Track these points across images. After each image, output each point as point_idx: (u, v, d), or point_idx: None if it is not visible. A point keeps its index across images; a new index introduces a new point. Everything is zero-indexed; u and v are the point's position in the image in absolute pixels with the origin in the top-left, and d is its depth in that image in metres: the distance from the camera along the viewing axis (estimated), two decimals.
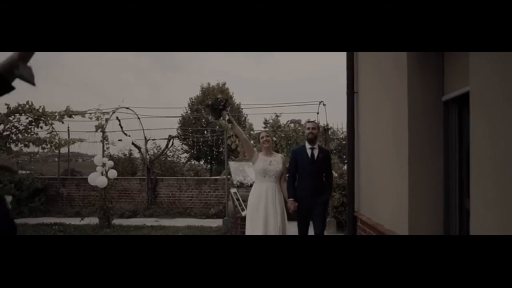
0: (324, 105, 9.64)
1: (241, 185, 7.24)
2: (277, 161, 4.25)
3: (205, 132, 18.41)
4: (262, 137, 4.35)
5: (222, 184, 10.63)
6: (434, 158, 3.01)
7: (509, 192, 1.72)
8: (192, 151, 20.96)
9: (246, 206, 6.48)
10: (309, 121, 4.78)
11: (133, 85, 38.04)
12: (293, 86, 38.64)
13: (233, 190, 6.98)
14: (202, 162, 22.28)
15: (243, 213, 6.49)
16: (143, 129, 10.75)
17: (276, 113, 14.17)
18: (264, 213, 3.99)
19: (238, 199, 6.74)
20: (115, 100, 36.50)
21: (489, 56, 1.87)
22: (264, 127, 18.57)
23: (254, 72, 39.78)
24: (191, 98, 22.10)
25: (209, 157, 21.55)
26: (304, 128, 4.42)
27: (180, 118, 20.49)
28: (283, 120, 13.27)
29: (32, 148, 9.77)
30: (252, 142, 11.21)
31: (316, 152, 4.39)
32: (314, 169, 4.34)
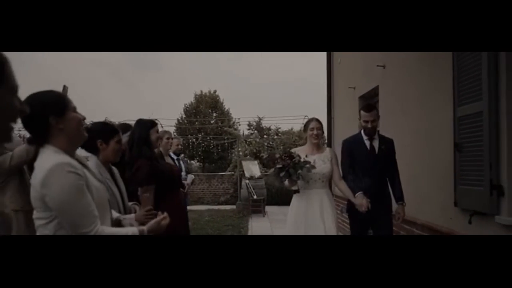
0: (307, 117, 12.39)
1: (251, 178, 10.07)
2: (323, 159, 3.25)
3: (199, 135, 20.94)
4: (312, 128, 3.27)
5: (227, 178, 13.44)
6: None
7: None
8: (186, 151, 23.41)
9: (256, 193, 9.46)
10: (365, 109, 3.30)
11: (107, 83, 38.64)
12: (280, 87, 40.72)
13: (246, 181, 9.82)
14: (195, 161, 24.82)
15: (254, 197, 9.40)
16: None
17: (258, 116, 15.10)
18: (303, 231, 3.11)
19: (250, 187, 9.59)
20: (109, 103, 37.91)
21: (388, 102, 4.74)
22: (248, 129, 20.72)
23: (241, 72, 41.54)
24: (186, 104, 24.63)
25: (202, 156, 24.10)
26: (360, 120, 3.36)
27: (176, 122, 22.97)
28: (265, 124, 14.86)
29: None
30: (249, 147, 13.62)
31: (376, 144, 3.30)
32: (376, 166, 3.26)
